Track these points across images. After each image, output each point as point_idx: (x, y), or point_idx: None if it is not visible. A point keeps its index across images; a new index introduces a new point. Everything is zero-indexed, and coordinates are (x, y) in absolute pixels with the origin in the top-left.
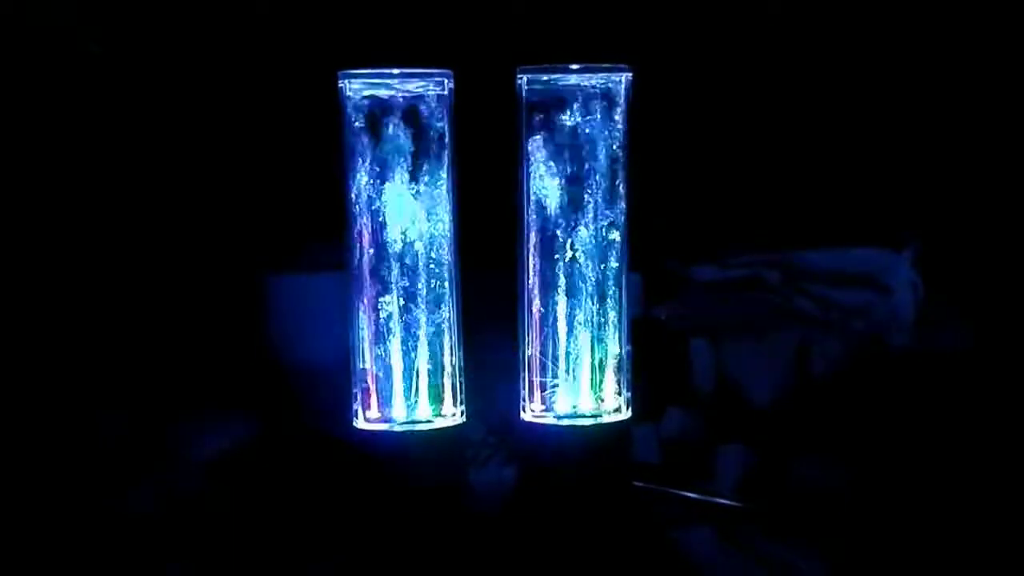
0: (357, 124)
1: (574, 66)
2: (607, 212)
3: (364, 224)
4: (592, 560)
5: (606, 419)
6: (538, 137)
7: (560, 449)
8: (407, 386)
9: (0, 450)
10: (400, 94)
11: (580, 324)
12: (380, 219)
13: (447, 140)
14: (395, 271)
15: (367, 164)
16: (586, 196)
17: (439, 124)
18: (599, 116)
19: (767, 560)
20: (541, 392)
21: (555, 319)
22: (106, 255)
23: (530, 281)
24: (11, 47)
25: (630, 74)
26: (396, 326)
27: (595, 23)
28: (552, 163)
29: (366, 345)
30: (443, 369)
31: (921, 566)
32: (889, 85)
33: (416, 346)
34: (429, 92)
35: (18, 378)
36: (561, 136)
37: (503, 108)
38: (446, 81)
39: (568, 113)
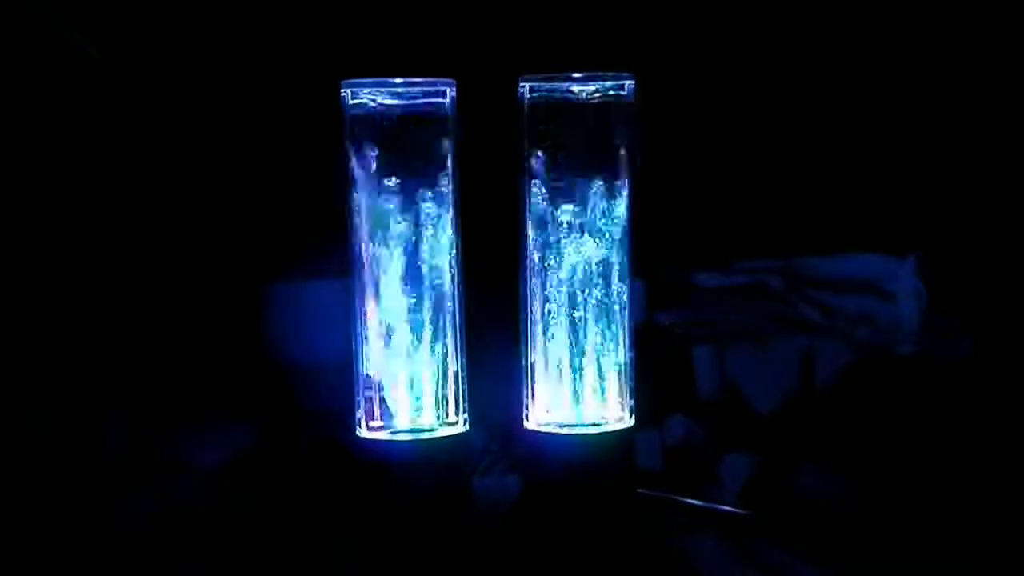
0: (359, 133)
1: (577, 74)
2: (610, 219)
3: (365, 232)
4: (595, 568)
5: (609, 427)
6: (540, 144)
7: (563, 457)
8: (410, 394)
9: (1, 457)
10: (403, 103)
11: (583, 331)
12: (382, 227)
13: (449, 148)
14: (397, 279)
15: (369, 172)
16: (589, 203)
17: (441, 132)
18: (602, 123)
19: (771, 568)
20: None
21: (557, 326)
22: (106, 263)
23: (532, 288)
24: (11, 53)
25: (633, 82)
26: (398, 334)
27: (598, 31)
28: (554, 170)
29: (368, 353)
30: (446, 377)
31: (925, 573)
32: (893, 92)
33: (419, 354)
34: (432, 101)
35: (17, 386)
36: (563, 143)
37: (506, 116)
38: (449, 90)
39: (571, 121)
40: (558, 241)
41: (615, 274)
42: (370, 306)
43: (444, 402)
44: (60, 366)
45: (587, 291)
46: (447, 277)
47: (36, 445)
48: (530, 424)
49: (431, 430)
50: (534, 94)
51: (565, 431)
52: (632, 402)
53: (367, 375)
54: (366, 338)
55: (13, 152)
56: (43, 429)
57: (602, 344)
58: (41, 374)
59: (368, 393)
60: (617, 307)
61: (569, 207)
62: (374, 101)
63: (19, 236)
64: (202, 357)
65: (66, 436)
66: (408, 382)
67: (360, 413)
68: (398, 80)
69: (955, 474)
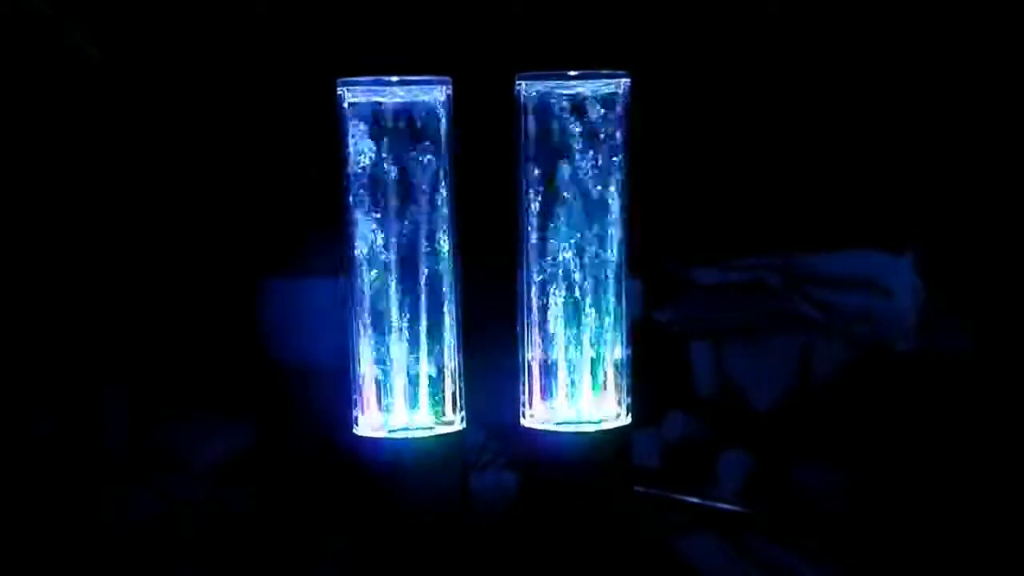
0: (355, 130)
1: (573, 72)
2: (607, 216)
3: (363, 229)
4: (594, 566)
5: (606, 424)
6: (537, 142)
7: (560, 455)
8: (407, 392)
9: (2, 457)
10: (399, 101)
11: (580, 328)
12: (379, 224)
13: (446, 145)
14: (394, 276)
15: (365, 170)
16: (586, 200)
17: (438, 130)
18: (599, 121)
19: (770, 566)
20: None
21: (555, 323)
22: (104, 260)
23: (529, 285)
24: (11, 53)
25: (629, 80)
26: (395, 331)
27: (594, 29)
28: (551, 167)
29: (365, 350)
30: (443, 374)
31: (925, 571)
32: (890, 87)
33: (416, 351)
34: (428, 99)
35: (17, 386)
36: (560, 141)
37: (502, 113)
38: (445, 87)
39: (567, 118)
40: (555, 239)
41: (612, 271)
42: (366, 303)
43: (442, 400)
44: (60, 366)
45: (584, 289)
46: (444, 274)
47: (36, 445)
48: (527, 422)
49: (428, 428)
50: (530, 91)
51: (562, 429)
52: (630, 400)
53: (362, 373)
54: (362, 336)
55: (13, 151)
56: (43, 429)
57: (599, 341)
58: (41, 374)
59: (364, 391)
60: (614, 304)
61: (566, 205)
62: (370, 99)
63: (19, 235)
64: (202, 355)
65: (66, 436)
66: (405, 380)
67: (357, 411)
68: (394, 78)
69: (954, 472)
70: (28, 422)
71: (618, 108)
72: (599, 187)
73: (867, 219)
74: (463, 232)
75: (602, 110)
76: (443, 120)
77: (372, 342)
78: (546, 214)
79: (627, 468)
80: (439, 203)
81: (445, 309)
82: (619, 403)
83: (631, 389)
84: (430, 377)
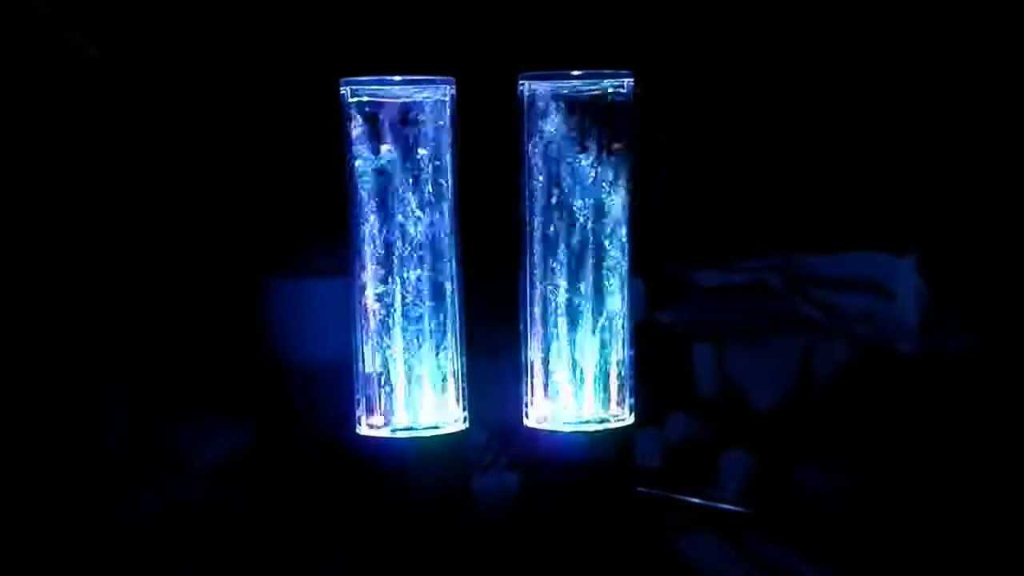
0: (358, 130)
1: (576, 72)
2: (610, 216)
3: (365, 229)
4: (595, 567)
5: (609, 425)
6: (539, 142)
7: (562, 456)
8: (409, 392)
9: (2, 456)
10: (402, 100)
11: (582, 329)
12: (381, 224)
13: (449, 146)
14: (397, 277)
15: (368, 170)
16: (588, 200)
17: (441, 130)
18: (601, 121)
19: (771, 566)
20: None
21: (557, 324)
22: (104, 259)
23: (532, 285)
24: (11, 53)
25: (632, 79)
26: (398, 332)
27: (597, 29)
28: (553, 168)
29: (368, 351)
30: (446, 374)
31: (924, 571)
32: (892, 88)
33: (419, 351)
34: (431, 98)
35: (17, 385)
36: (563, 141)
37: (505, 113)
38: (448, 87)
39: (570, 118)
40: (558, 239)
41: (615, 272)
42: (369, 303)
43: (445, 400)
44: (60, 366)
45: (587, 289)
46: (447, 274)
47: (36, 445)
48: (530, 422)
49: (432, 428)
50: (533, 91)
51: (565, 429)
52: (632, 400)
53: (365, 373)
54: (365, 335)
55: (13, 151)
56: (43, 429)
57: (602, 342)
58: (41, 374)
59: (368, 391)
60: (617, 305)
61: (568, 206)
62: (373, 99)
63: (19, 235)
64: (202, 355)
65: (66, 436)
66: (407, 380)
67: (359, 411)
68: (397, 78)
69: (955, 473)
70: (28, 422)
71: (621, 108)
72: (602, 187)
73: (869, 220)
74: (466, 231)
75: (604, 109)
76: (446, 119)
77: (375, 342)
78: (549, 213)
79: (629, 468)
80: (442, 202)
81: (448, 308)
82: (622, 403)
83: (633, 390)
84: (432, 377)
